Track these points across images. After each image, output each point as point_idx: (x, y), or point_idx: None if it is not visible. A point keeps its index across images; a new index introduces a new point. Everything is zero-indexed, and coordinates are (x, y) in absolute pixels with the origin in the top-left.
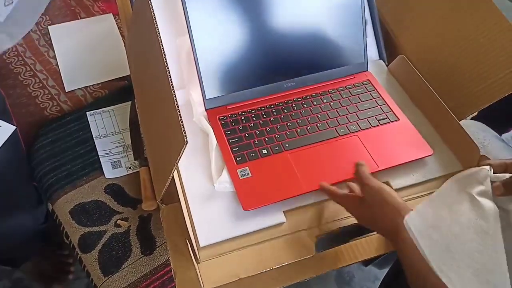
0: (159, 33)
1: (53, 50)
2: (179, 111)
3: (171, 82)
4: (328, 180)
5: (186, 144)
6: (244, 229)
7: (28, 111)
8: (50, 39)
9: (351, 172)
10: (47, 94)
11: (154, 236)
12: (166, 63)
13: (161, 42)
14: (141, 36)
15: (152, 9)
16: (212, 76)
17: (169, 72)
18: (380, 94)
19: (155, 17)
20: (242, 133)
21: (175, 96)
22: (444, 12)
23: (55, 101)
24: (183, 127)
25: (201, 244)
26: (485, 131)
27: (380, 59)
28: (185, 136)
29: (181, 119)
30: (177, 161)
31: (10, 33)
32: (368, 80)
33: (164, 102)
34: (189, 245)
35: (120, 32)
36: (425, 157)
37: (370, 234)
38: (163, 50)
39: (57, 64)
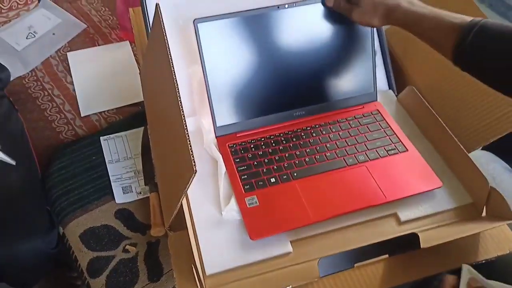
0: (172, 62)
1: (71, 76)
2: (189, 140)
3: (183, 111)
4: (336, 211)
5: (195, 173)
6: (251, 258)
7: (44, 134)
8: (68, 65)
9: (359, 203)
10: (63, 118)
11: (162, 262)
12: (178, 92)
13: (174, 71)
14: (155, 64)
15: (167, 39)
16: (222, 104)
17: (180, 101)
18: (389, 124)
19: (169, 47)
20: (251, 161)
21: (185, 125)
22: None
23: (70, 126)
24: (193, 156)
25: (208, 272)
26: (495, 162)
27: (389, 89)
28: (194, 165)
29: (191, 148)
30: (186, 189)
31: (25, 61)
32: (377, 110)
33: (175, 130)
34: (195, 273)
35: (135, 60)
36: (434, 189)
37: (375, 258)
38: (176, 79)
39: (74, 90)
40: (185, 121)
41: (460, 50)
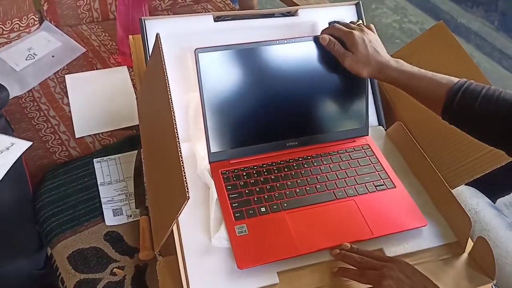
0: (169, 90)
1: (68, 98)
2: (183, 166)
3: (178, 137)
4: (323, 244)
5: (188, 199)
6: (238, 287)
7: (37, 154)
8: (65, 87)
9: (346, 238)
10: (57, 139)
11: (149, 286)
12: (174, 119)
13: (171, 98)
14: (153, 90)
15: (165, 68)
16: (218, 130)
17: (176, 128)
18: (378, 160)
19: (167, 75)
20: (243, 189)
21: (180, 151)
22: None
23: (64, 147)
24: (186, 183)
25: None
26: (478, 197)
27: (379, 124)
28: (188, 191)
29: (184, 175)
30: (178, 215)
31: (23, 82)
32: (368, 144)
33: (169, 155)
34: None
35: (132, 84)
36: (419, 227)
37: None
38: (172, 106)
39: (70, 111)
40: (180, 147)
41: (449, 109)
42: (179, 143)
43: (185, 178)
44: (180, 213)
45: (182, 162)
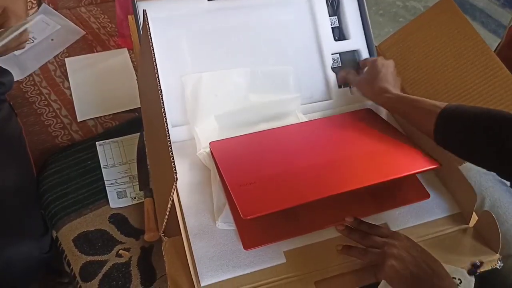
0: (157, 73)
1: (68, 81)
2: (171, 149)
3: (166, 120)
4: (327, 221)
5: (176, 180)
6: (245, 269)
7: (40, 139)
8: (66, 70)
9: (350, 214)
10: (59, 123)
11: (155, 267)
12: (162, 102)
13: (159, 82)
14: (146, 73)
15: (153, 49)
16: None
17: (164, 110)
18: None
19: (155, 57)
20: None
21: (168, 136)
22: (447, 60)
23: (66, 130)
24: (174, 164)
25: (202, 283)
26: (486, 173)
27: None
28: (175, 173)
29: (172, 156)
30: (170, 197)
31: (23, 66)
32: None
33: (161, 138)
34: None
35: (133, 66)
36: (422, 200)
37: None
38: (161, 90)
39: (71, 95)
40: (168, 130)
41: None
42: (167, 125)
43: (173, 159)
44: (173, 194)
45: (170, 144)
